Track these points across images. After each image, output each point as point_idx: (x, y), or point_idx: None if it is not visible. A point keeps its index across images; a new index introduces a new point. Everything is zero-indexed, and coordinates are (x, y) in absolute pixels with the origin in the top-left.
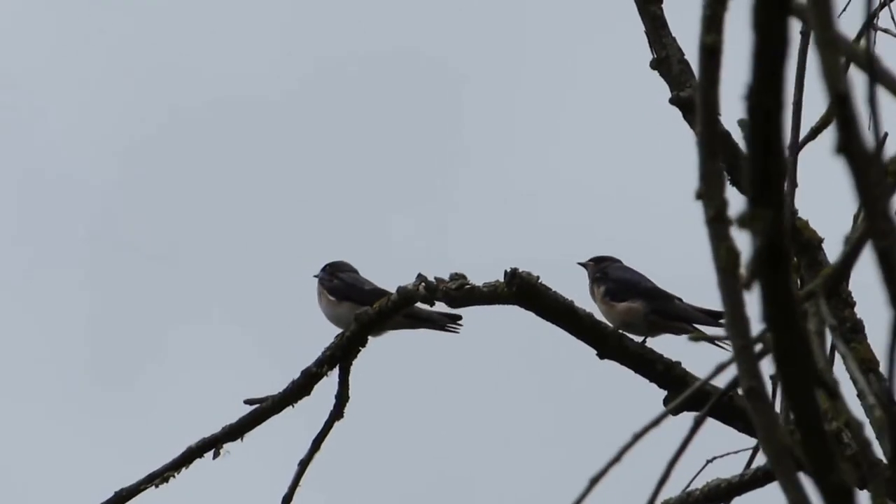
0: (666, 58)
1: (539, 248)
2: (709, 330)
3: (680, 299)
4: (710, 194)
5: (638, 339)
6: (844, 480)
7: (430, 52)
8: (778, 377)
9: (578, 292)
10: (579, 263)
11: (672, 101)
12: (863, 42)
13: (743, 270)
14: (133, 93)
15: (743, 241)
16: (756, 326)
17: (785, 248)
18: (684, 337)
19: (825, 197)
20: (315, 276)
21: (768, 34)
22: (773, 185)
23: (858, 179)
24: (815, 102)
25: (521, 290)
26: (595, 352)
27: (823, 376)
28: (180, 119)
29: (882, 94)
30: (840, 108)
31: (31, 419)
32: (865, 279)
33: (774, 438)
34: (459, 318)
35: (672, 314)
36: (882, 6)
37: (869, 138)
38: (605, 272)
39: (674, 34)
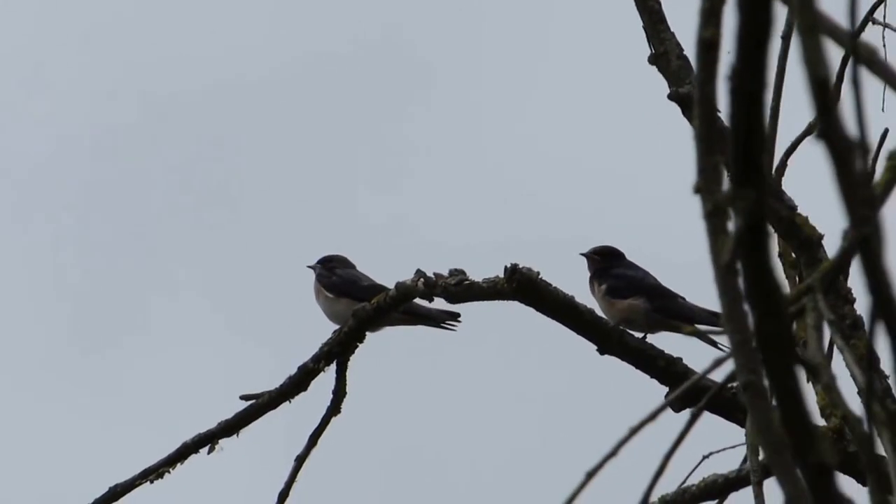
0: (664, 53)
1: (532, 231)
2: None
3: (683, 298)
4: (708, 189)
5: (638, 335)
6: (824, 460)
7: (407, 35)
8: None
9: (568, 276)
10: (582, 254)
11: (671, 97)
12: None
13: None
14: (111, 76)
15: None
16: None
17: (766, 227)
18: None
19: (824, 193)
20: (309, 267)
21: (752, 15)
22: (755, 166)
23: (838, 166)
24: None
25: (521, 286)
26: (595, 347)
27: (805, 357)
28: (168, 103)
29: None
30: (820, 94)
31: (18, 413)
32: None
33: (771, 432)
34: (458, 315)
35: (674, 313)
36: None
37: (852, 124)
38: (606, 268)
39: (672, 29)
